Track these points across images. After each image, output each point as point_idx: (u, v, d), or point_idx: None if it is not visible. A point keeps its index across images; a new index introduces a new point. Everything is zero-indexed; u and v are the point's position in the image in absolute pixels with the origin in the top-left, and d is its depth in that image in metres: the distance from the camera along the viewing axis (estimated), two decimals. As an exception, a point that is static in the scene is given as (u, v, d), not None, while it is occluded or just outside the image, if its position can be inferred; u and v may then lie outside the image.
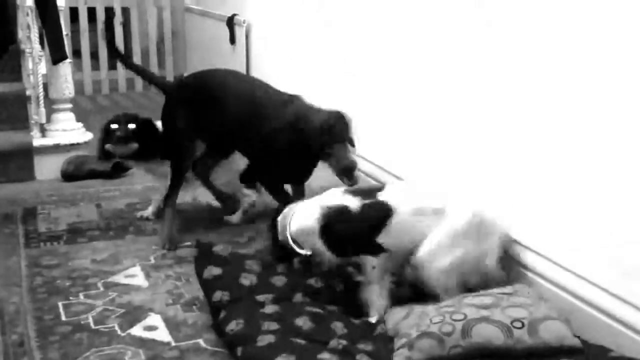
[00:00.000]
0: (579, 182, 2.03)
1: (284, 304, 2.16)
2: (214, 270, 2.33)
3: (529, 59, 2.19)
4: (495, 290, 2.02)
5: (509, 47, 2.29)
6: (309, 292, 2.24)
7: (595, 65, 1.92)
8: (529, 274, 2.18)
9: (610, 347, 1.83)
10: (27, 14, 3.77)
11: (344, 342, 1.96)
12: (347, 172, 2.60)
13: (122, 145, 3.01)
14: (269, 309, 2.13)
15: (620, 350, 1.81)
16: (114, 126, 3.02)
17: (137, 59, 6.34)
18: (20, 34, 3.73)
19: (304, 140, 2.65)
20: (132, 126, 3.01)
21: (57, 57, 3.70)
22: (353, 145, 2.69)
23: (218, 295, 2.22)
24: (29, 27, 3.79)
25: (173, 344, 2.14)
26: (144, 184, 3.73)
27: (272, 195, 2.93)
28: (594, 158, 1.97)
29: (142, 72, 3.27)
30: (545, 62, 2.12)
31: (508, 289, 2.03)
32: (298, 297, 2.21)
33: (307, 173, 2.86)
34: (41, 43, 3.84)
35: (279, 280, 2.29)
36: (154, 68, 6.44)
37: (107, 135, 3.06)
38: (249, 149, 2.91)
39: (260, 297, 2.20)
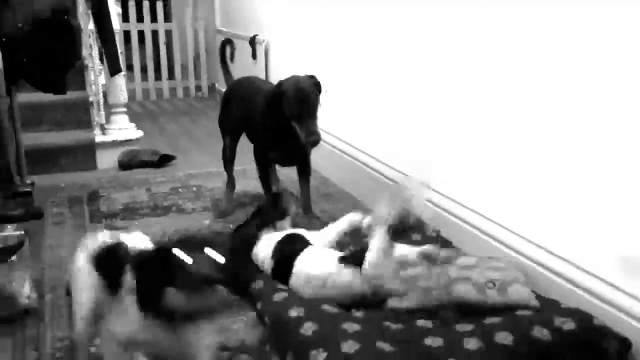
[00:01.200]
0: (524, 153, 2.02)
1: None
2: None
3: (516, 51, 2.13)
4: (477, 257, 2.00)
5: (486, 41, 2.24)
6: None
7: (595, 56, 1.82)
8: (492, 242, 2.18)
9: (560, 301, 1.83)
10: (89, 36, 3.79)
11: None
12: (312, 144, 2.48)
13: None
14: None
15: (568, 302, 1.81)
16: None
17: (177, 71, 6.37)
18: (84, 52, 3.74)
19: (282, 115, 2.50)
20: None
21: (113, 70, 3.73)
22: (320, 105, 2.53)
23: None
24: (90, 46, 3.81)
25: (208, 299, 2.15)
26: (185, 171, 3.75)
27: (258, 169, 2.78)
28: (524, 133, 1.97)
29: (227, 76, 3.20)
30: (536, 54, 2.05)
31: (490, 257, 2.02)
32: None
33: (286, 147, 2.62)
34: (100, 59, 3.86)
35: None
36: (191, 78, 6.47)
37: None
38: (250, 130, 2.84)
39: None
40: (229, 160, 3.05)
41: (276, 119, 2.54)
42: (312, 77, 2.56)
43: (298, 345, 1.68)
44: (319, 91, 2.55)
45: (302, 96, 2.46)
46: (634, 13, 1.63)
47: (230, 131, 3.00)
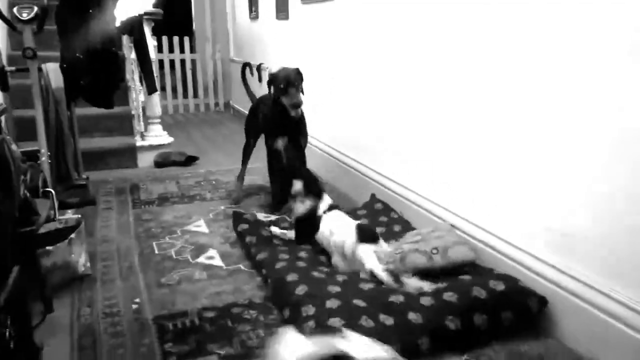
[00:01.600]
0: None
1: (291, 246, 2.15)
2: (244, 226, 2.34)
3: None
4: (424, 230, 1.99)
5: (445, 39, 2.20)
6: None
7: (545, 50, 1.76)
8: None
9: (493, 268, 1.84)
10: (132, 63, 3.75)
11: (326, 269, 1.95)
12: (294, 106, 2.52)
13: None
14: (281, 247, 2.14)
15: (500, 270, 1.81)
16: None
17: (200, 91, 6.33)
18: (127, 76, 3.72)
19: (278, 100, 2.56)
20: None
21: (150, 90, 3.71)
22: (302, 92, 2.57)
23: (248, 239, 2.23)
24: (132, 71, 3.78)
25: (224, 267, 2.14)
26: (206, 169, 3.73)
27: (268, 153, 2.74)
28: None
29: (248, 92, 3.15)
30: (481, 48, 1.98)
31: (431, 228, 1.99)
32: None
33: (283, 124, 2.59)
34: (140, 82, 3.83)
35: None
36: (211, 96, 6.43)
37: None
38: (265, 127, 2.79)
39: (275, 241, 2.21)
40: (248, 155, 3.03)
41: (276, 107, 2.58)
42: (297, 69, 2.57)
43: (293, 302, 1.69)
44: (301, 78, 2.56)
45: (286, 76, 2.51)
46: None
47: (253, 133, 2.99)
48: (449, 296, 1.63)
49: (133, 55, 3.70)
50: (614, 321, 1.47)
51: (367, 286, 1.75)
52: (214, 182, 3.38)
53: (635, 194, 1.41)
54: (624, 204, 1.43)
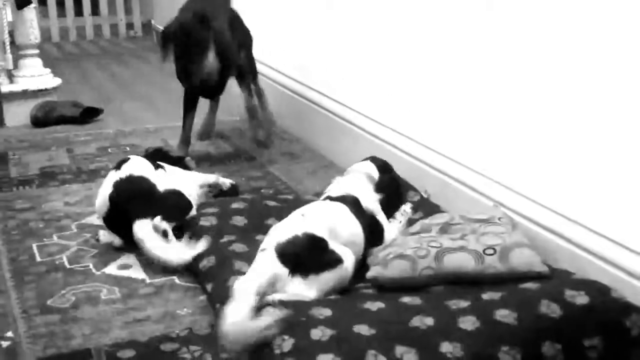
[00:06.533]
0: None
1: (249, 243, 2.16)
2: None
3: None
4: (473, 217, 2.04)
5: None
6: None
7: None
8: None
9: (572, 271, 1.86)
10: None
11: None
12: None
13: None
14: (237, 247, 2.15)
15: (582, 273, 1.85)
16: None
17: (103, 5, 6.25)
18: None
19: None
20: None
21: (21, 1, 3.66)
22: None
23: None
24: (-11, -28, 3.72)
25: (148, 281, 2.15)
26: (115, 128, 3.71)
27: None
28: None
29: None
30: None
31: (484, 216, 2.05)
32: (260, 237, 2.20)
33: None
34: (4, -11, 3.77)
35: (240, 222, 2.31)
36: (121, 14, 6.35)
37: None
38: None
39: (225, 238, 2.22)
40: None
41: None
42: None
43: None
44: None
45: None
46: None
47: None
48: (504, 316, 1.64)
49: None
50: None
51: (375, 304, 1.76)
52: (128, 149, 3.37)
53: None
54: None
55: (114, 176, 2.34)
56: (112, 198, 2.29)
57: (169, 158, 2.65)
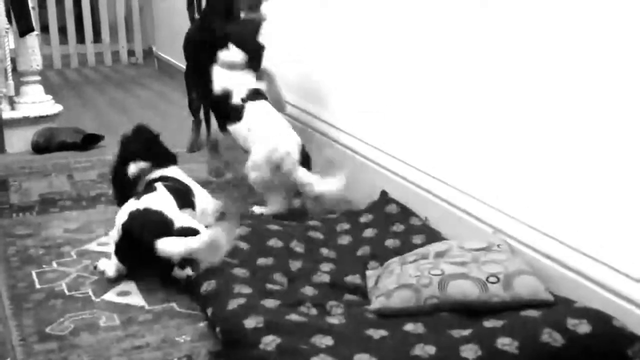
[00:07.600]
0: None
1: (251, 267, 2.17)
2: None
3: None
4: (472, 247, 2.04)
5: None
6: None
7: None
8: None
9: (573, 299, 1.86)
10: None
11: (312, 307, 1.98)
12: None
13: None
14: (238, 271, 2.14)
15: (583, 301, 1.84)
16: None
17: (105, 33, 6.29)
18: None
19: None
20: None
21: (23, 28, 3.69)
22: None
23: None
24: (-7, 2, 3.75)
25: (147, 308, 2.14)
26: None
27: None
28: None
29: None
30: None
31: (483, 244, 2.05)
32: (262, 260, 2.23)
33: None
34: (8, 17, 3.77)
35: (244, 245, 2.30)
36: (122, 41, 6.39)
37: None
38: None
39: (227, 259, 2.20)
40: (197, 110, 3.62)
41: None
42: None
43: (257, 361, 1.69)
44: None
45: None
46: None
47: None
48: (505, 344, 1.64)
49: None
50: None
51: (378, 332, 1.75)
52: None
53: None
54: None
55: (132, 205, 2.33)
56: (125, 226, 2.28)
57: None
